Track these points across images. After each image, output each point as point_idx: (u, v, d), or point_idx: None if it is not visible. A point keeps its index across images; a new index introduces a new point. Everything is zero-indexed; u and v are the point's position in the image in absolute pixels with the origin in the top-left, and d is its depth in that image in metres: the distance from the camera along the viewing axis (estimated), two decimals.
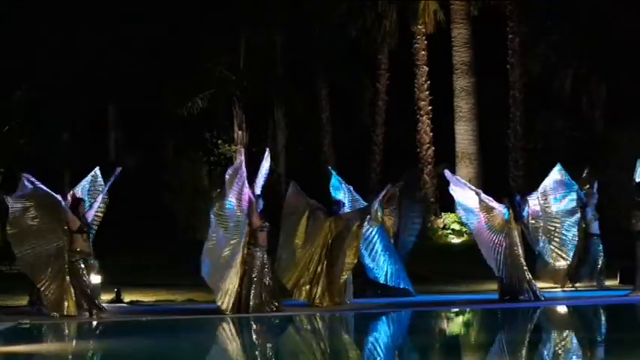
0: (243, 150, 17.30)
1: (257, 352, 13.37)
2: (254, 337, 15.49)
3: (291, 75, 33.51)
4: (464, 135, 31.23)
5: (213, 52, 32.01)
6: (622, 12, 30.42)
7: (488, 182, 29.45)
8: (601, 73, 32.50)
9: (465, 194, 18.37)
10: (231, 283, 16.73)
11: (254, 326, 16.31)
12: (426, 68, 31.71)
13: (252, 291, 16.80)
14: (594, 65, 32.39)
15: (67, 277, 16.74)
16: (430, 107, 31.70)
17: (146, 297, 19.91)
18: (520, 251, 17.87)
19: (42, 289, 16.81)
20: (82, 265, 16.90)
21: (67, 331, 15.85)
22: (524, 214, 18.08)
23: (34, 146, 30.55)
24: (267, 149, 17.79)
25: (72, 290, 16.75)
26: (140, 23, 31.45)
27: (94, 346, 14.55)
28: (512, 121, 31.42)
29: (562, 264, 19.41)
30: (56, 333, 15.51)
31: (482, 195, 18.14)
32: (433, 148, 31.60)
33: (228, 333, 16.00)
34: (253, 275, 16.87)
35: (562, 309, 18.22)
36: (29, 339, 14.73)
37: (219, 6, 31.61)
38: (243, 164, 17.00)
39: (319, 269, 17.95)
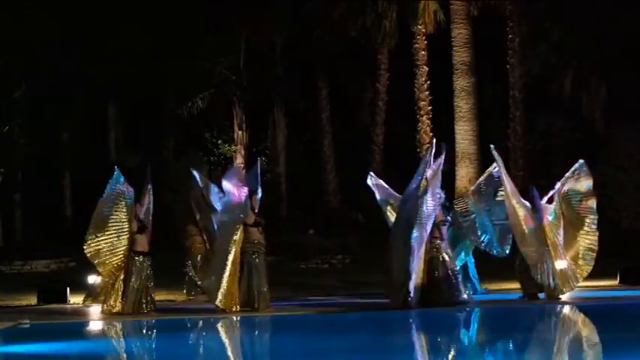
0: (433, 144, 17.33)
1: (254, 352, 13.39)
2: (249, 336, 15.50)
3: (291, 75, 33.53)
4: (464, 135, 31.22)
5: (213, 52, 32.02)
6: (622, 12, 30.42)
7: None
8: (601, 73, 32.50)
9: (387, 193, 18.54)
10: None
11: (244, 326, 16.33)
12: (426, 68, 31.71)
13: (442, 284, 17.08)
14: (594, 65, 32.39)
15: (232, 270, 16.88)
16: (430, 107, 31.70)
17: None
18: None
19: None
20: (256, 257, 17.03)
21: (66, 331, 15.86)
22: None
23: (34, 146, 30.57)
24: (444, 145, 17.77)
25: (235, 284, 16.87)
26: (140, 23, 31.49)
27: (94, 346, 14.56)
28: (512, 121, 31.41)
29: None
30: (56, 333, 15.51)
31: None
32: None
33: (226, 332, 16.02)
34: (440, 266, 17.07)
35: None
36: (29, 339, 14.74)
37: (219, 6, 31.62)
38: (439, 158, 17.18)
39: None
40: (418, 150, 31.65)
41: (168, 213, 32.07)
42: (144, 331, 16.00)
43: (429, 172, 17.19)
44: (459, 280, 17.37)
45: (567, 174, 18.65)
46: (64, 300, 19.62)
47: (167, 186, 32.80)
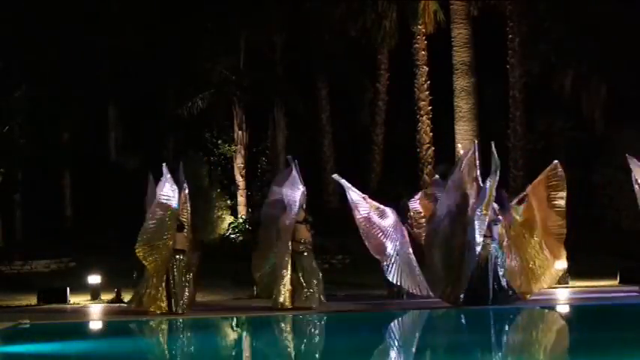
0: (475, 145, 17.61)
1: (252, 352, 13.39)
2: (251, 336, 15.49)
3: (291, 75, 33.50)
4: (464, 135, 31.18)
5: (213, 52, 32.01)
6: (622, 12, 30.41)
7: None
8: (601, 73, 32.48)
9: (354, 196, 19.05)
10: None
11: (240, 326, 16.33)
12: (426, 68, 31.68)
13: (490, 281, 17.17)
14: (594, 65, 32.38)
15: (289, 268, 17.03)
16: (430, 107, 31.67)
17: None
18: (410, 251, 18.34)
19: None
20: (306, 254, 17.20)
21: (66, 331, 15.86)
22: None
23: (34, 146, 30.56)
24: (493, 143, 18.02)
25: (288, 281, 16.98)
26: (140, 23, 31.48)
27: (94, 345, 14.57)
28: (512, 121, 31.41)
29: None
30: (56, 333, 15.51)
31: (369, 199, 18.98)
32: (433, 148, 31.59)
33: (225, 332, 16.02)
34: (489, 266, 17.21)
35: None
36: (29, 339, 14.74)
37: (219, 6, 31.61)
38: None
39: None
40: (418, 150, 31.67)
41: None
42: (144, 330, 16.00)
43: (477, 172, 17.51)
44: (506, 279, 17.47)
45: (540, 176, 18.92)
46: (64, 300, 19.62)
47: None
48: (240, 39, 32.34)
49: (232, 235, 31.12)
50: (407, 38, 32.02)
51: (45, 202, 32.20)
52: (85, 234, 28.47)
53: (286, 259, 17.10)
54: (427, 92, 31.66)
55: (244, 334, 15.93)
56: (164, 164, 17.77)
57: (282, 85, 33.16)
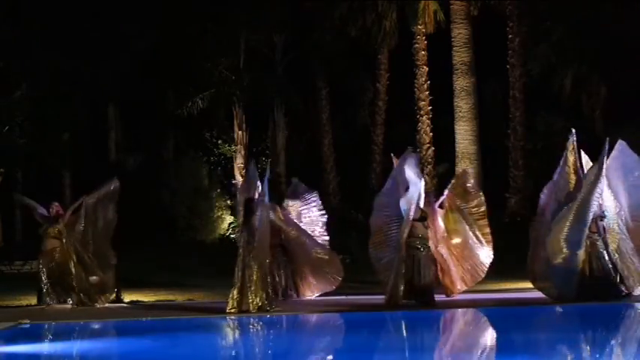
0: (607, 143, 17.67)
1: (251, 352, 13.38)
2: (251, 336, 15.48)
3: (291, 75, 33.53)
4: (464, 135, 31.22)
5: (213, 52, 32.03)
6: (622, 12, 30.42)
7: (489, 182, 29.45)
8: (601, 73, 32.49)
9: None
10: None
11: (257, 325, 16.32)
12: (426, 68, 31.71)
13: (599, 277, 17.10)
14: (594, 65, 32.39)
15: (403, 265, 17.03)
16: (430, 107, 31.71)
17: (146, 297, 19.93)
18: None
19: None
20: (422, 250, 17.23)
21: (66, 331, 15.85)
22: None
23: (34, 146, 30.57)
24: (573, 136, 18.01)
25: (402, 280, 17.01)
26: (140, 23, 31.49)
27: (94, 346, 14.56)
28: (512, 121, 31.45)
29: None
30: (56, 333, 15.51)
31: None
32: (433, 148, 31.62)
33: (226, 333, 16.01)
34: (600, 261, 17.19)
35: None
36: (29, 339, 14.74)
37: (219, 6, 31.63)
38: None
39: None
40: (418, 150, 31.68)
41: (169, 213, 32.19)
42: (144, 330, 15.98)
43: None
44: (619, 275, 17.42)
45: (453, 181, 19.06)
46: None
47: (167, 186, 32.84)
48: (240, 39, 32.36)
49: (232, 235, 31.14)
50: (407, 38, 32.06)
51: (45, 202, 32.17)
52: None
53: (402, 256, 17.08)
54: (427, 92, 31.68)
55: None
56: (251, 163, 17.87)
57: (282, 85, 33.19)
